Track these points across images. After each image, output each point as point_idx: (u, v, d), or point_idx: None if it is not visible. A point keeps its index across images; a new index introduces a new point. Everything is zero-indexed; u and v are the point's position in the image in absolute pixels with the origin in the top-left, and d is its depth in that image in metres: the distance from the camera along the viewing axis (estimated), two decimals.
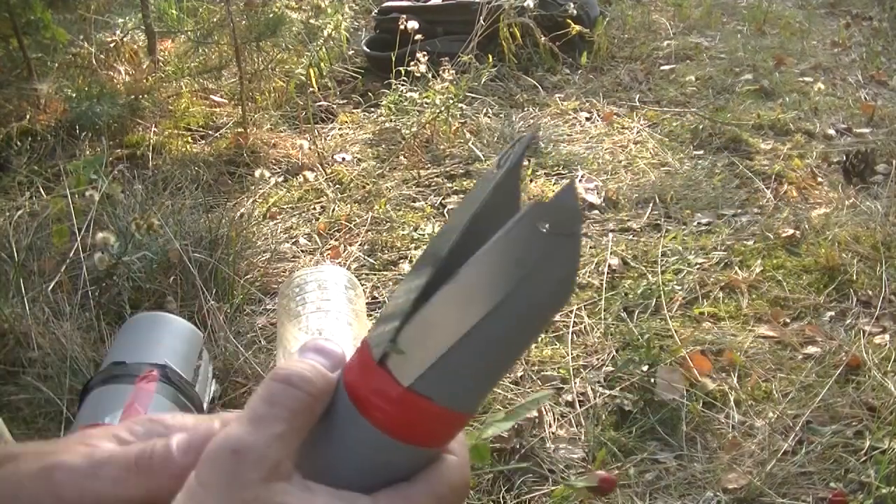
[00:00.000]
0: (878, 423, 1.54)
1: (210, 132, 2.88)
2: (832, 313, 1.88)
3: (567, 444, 1.54)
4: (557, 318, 1.88)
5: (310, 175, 2.55)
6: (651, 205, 2.36)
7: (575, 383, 1.68)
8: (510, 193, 0.35)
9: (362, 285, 1.94)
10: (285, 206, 2.43)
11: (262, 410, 0.36)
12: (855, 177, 2.48)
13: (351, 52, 3.51)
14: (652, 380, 1.65)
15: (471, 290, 0.32)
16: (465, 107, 2.90)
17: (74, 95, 2.65)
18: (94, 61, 2.97)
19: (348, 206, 2.40)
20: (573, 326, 1.85)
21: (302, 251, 2.21)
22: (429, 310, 0.33)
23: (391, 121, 2.91)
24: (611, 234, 2.21)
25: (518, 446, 1.51)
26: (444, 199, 2.44)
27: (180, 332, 1.44)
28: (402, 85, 2.96)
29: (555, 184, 2.47)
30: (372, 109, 3.08)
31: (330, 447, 0.37)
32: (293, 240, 2.27)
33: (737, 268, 2.05)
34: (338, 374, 0.38)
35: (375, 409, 0.35)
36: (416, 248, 2.17)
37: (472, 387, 0.35)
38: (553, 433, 1.56)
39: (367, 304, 1.90)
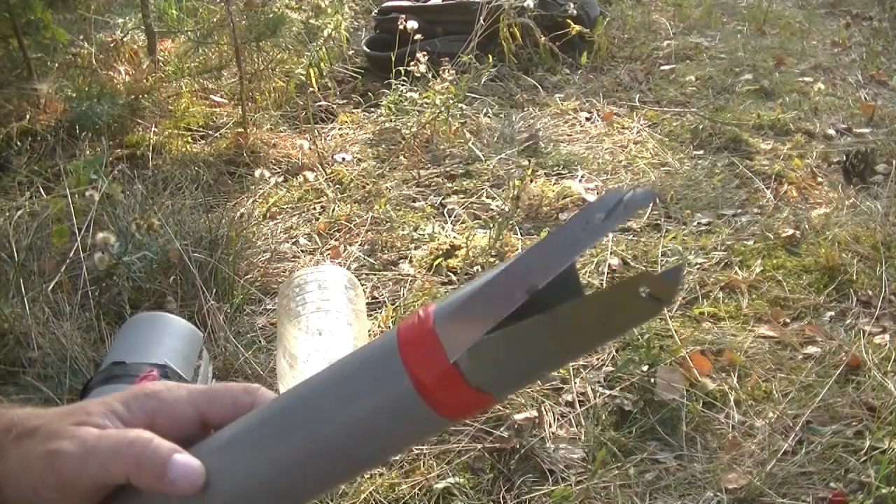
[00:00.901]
0: (878, 423, 1.54)
1: (210, 132, 2.88)
2: (832, 313, 1.88)
3: (567, 444, 1.54)
4: None
5: (310, 175, 2.55)
6: (651, 205, 2.35)
7: (575, 383, 1.67)
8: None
9: (362, 285, 1.94)
10: (285, 206, 2.43)
11: None
12: (855, 177, 2.48)
13: (351, 52, 3.51)
14: (652, 380, 1.65)
15: (564, 327, 0.38)
16: (465, 107, 2.91)
17: (74, 95, 2.65)
18: (94, 61, 2.97)
19: (348, 206, 2.40)
20: None
21: (302, 251, 2.21)
22: (517, 332, 0.38)
23: (391, 121, 2.91)
24: (611, 234, 2.21)
25: (518, 446, 1.51)
26: (444, 199, 2.44)
27: (180, 332, 1.44)
28: (402, 85, 2.96)
29: (554, 183, 2.47)
30: (372, 109, 3.08)
31: (362, 394, 0.42)
32: (293, 240, 2.27)
33: (737, 268, 2.05)
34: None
35: (433, 392, 0.40)
36: (415, 248, 2.17)
37: (523, 387, 0.43)
38: (553, 433, 1.56)
39: (367, 304, 1.90)
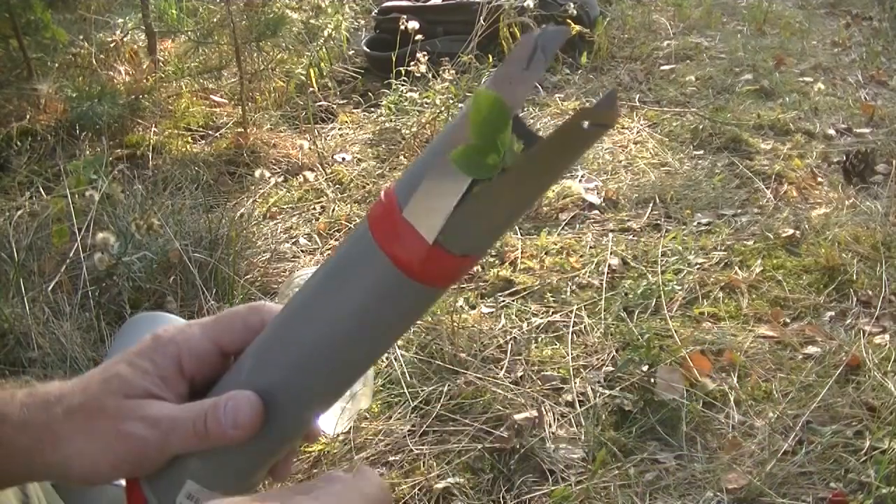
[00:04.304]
0: (878, 423, 1.54)
1: (210, 132, 2.88)
2: (832, 313, 1.88)
3: (567, 444, 1.53)
4: (557, 318, 1.89)
5: (310, 175, 2.55)
6: (651, 205, 2.36)
7: (575, 383, 1.67)
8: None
9: None
10: (285, 206, 2.43)
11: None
12: (855, 177, 2.48)
13: (351, 52, 3.51)
14: (652, 380, 1.65)
15: (525, 176, 0.39)
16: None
17: (74, 95, 2.65)
18: (94, 61, 2.97)
19: (348, 206, 2.39)
20: (573, 326, 1.85)
21: (302, 251, 2.21)
22: (482, 195, 0.39)
23: (391, 121, 2.91)
24: (611, 234, 2.21)
25: (518, 446, 1.51)
26: None
27: None
28: (402, 85, 2.96)
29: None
30: (372, 109, 3.08)
31: (349, 284, 0.44)
32: (293, 240, 2.27)
33: (737, 268, 2.05)
34: None
35: (422, 272, 0.42)
36: None
37: (495, 242, 0.46)
38: (553, 433, 1.56)
39: None
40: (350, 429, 1.55)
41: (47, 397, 0.50)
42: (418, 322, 1.71)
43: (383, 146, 2.79)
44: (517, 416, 1.58)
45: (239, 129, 2.83)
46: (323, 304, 0.46)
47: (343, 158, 2.72)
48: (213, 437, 0.47)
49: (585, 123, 0.36)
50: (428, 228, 0.40)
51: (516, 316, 1.90)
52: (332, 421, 1.50)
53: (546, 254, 2.13)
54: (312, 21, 3.16)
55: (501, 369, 1.73)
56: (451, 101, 2.77)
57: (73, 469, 0.49)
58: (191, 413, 0.48)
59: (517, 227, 2.25)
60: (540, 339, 1.82)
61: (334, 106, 3.13)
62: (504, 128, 0.39)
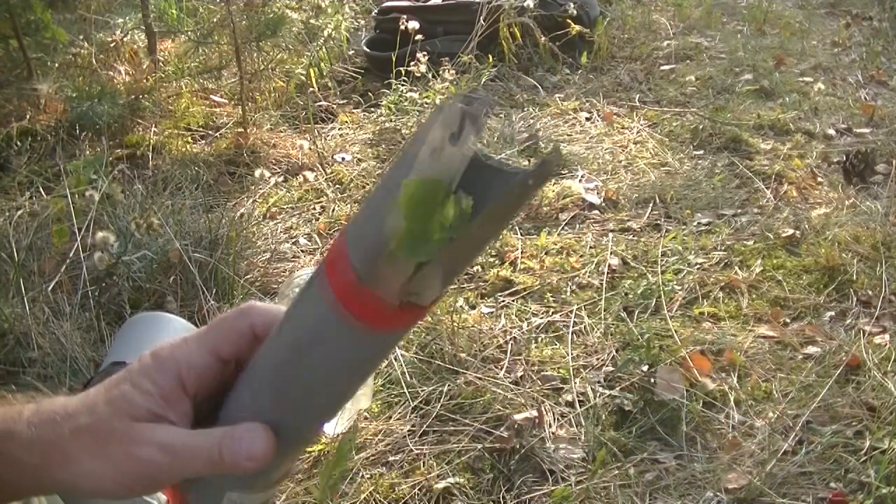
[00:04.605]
0: (878, 423, 1.54)
1: (210, 132, 2.88)
2: (832, 313, 1.88)
3: (567, 444, 1.53)
4: (557, 318, 1.89)
5: (310, 175, 2.55)
6: (651, 205, 2.36)
7: (575, 383, 1.67)
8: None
9: None
10: (285, 206, 2.43)
11: None
12: (855, 177, 2.48)
13: (351, 52, 3.51)
14: (652, 380, 1.65)
15: (476, 237, 0.40)
16: None
17: (74, 95, 2.65)
18: (94, 61, 2.97)
19: (348, 206, 2.40)
20: (573, 326, 1.85)
21: (302, 251, 2.21)
22: (441, 258, 0.40)
23: (391, 121, 2.91)
24: (611, 234, 2.21)
25: (518, 446, 1.51)
26: None
27: (180, 332, 1.44)
28: (403, 85, 2.96)
29: (554, 183, 2.47)
30: (372, 109, 3.08)
31: (300, 329, 0.47)
32: (293, 240, 2.27)
33: (737, 268, 2.05)
34: None
35: (387, 325, 0.43)
36: None
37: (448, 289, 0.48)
38: (553, 433, 1.56)
39: None
40: (350, 429, 1.55)
41: (53, 416, 0.50)
42: (419, 322, 1.72)
43: (383, 146, 2.79)
44: (517, 416, 1.58)
45: (239, 129, 2.83)
46: (296, 365, 0.48)
47: (343, 158, 2.72)
48: (227, 467, 0.48)
49: (530, 181, 0.38)
50: (388, 294, 0.41)
51: (516, 316, 1.90)
52: (333, 421, 1.50)
53: (546, 254, 2.13)
54: (312, 21, 3.16)
55: (501, 369, 1.73)
56: None
57: (81, 487, 0.49)
58: (206, 442, 0.49)
59: (517, 228, 2.25)
60: (540, 339, 1.82)
61: (334, 106, 3.13)
62: (442, 204, 0.39)
